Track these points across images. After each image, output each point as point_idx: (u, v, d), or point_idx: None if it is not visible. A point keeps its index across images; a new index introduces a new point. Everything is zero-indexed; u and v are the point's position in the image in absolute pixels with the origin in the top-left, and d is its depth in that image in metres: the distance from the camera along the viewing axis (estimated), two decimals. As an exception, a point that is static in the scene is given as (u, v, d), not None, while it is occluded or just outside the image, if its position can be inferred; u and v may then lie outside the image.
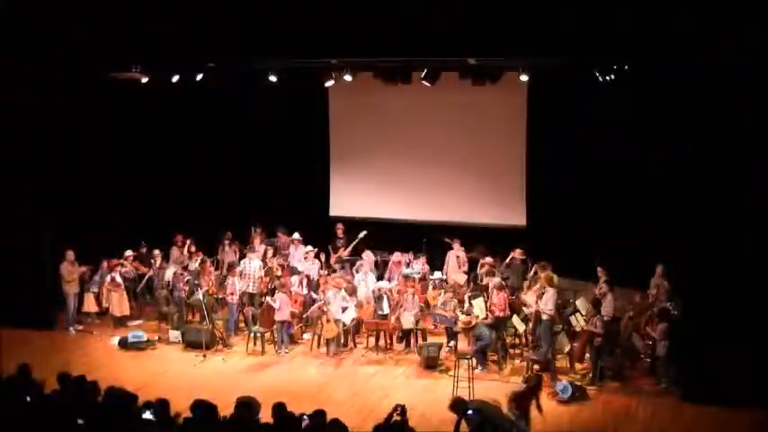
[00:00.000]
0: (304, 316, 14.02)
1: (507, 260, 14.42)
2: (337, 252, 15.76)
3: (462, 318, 12.63)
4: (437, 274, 14.60)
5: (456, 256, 15.13)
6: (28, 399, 8.12)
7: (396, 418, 8.13)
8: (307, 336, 14.02)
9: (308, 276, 14.63)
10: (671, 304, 11.96)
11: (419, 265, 14.81)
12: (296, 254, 15.48)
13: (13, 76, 13.42)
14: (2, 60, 13.11)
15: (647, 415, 10.84)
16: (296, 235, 15.66)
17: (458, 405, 8.73)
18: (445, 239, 15.46)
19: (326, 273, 14.83)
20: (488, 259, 14.40)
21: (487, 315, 12.57)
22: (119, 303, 14.63)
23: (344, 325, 13.34)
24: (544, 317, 12.43)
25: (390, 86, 13.53)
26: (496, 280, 13.13)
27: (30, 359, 9.45)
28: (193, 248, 15.58)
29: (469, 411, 7.29)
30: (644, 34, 10.42)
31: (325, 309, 13.19)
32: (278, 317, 13.29)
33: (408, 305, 13.26)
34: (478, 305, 12.58)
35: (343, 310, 13.29)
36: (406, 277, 14.17)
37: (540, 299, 12.32)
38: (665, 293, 12.30)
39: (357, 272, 14.80)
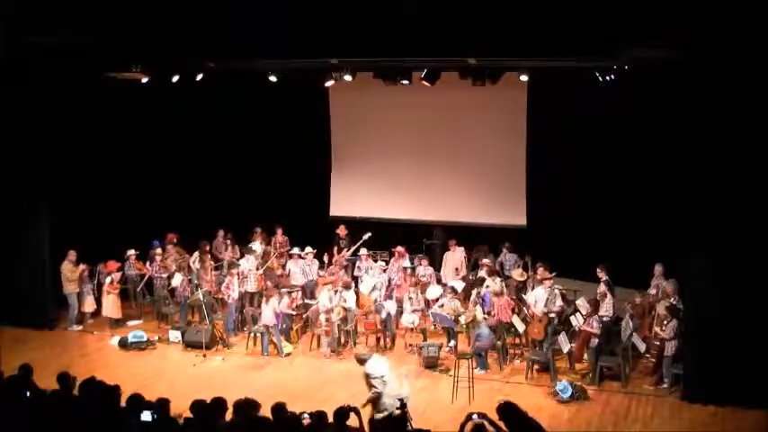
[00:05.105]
0: (304, 317, 14.03)
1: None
2: (340, 253, 15.77)
3: (463, 318, 12.66)
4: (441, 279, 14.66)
5: (454, 268, 15.13)
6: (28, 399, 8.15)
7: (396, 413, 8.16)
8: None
9: (303, 288, 14.69)
10: (676, 300, 11.94)
11: (423, 269, 14.80)
12: (295, 268, 15.08)
13: (14, 77, 13.42)
14: (2, 61, 13.11)
15: (647, 415, 10.84)
16: (295, 250, 15.40)
17: (359, 359, 9.58)
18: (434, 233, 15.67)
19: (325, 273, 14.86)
20: (485, 261, 14.46)
21: (485, 318, 12.63)
22: (113, 306, 14.60)
23: (345, 323, 13.36)
24: (551, 315, 12.48)
25: (390, 86, 13.52)
26: (498, 287, 13.14)
27: (30, 359, 9.48)
28: (206, 247, 15.49)
29: (474, 416, 7.32)
30: (643, 34, 10.41)
31: (322, 308, 13.26)
32: (262, 320, 13.26)
33: (413, 303, 13.37)
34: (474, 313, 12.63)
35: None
36: (406, 269, 14.27)
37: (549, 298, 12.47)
38: (674, 292, 12.20)
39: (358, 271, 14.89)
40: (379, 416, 9.02)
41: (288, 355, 13.27)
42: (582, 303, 12.59)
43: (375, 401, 9.20)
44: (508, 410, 7.20)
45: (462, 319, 12.68)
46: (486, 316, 12.72)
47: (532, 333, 12.72)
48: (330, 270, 15.02)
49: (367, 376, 9.36)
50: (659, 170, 13.20)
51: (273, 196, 16.68)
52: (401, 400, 8.39)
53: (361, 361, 9.53)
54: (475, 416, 7.32)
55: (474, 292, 13.43)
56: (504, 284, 13.42)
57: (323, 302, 13.31)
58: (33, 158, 14.12)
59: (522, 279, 14.23)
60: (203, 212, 16.43)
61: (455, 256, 15.33)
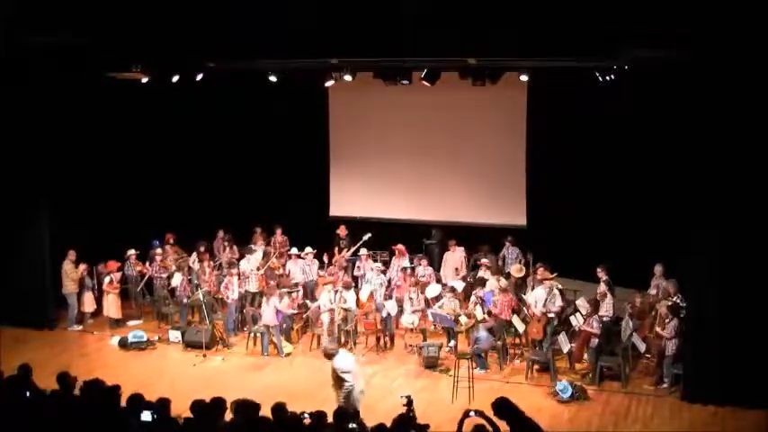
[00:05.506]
0: (304, 317, 14.03)
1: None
2: (341, 253, 15.76)
3: (463, 319, 12.65)
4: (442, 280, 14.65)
5: (454, 268, 15.13)
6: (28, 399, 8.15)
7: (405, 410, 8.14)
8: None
9: (304, 286, 14.69)
10: (679, 299, 11.93)
11: (422, 269, 14.80)
12: (295, 268, 15.02)
13: (14, 77, 13.42)
14: (2, 61, 13.11)
15: (647, 415, 10.84)
16: (294, 250, 15.37)
17: (327, 353, 10.01)
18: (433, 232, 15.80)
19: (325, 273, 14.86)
20: (485, 260, 14.45)
21: (485, 318, 12.63)
22: (114, 305, 14.60)
23: (345, 322, 13.36)
24: (550, 315, 12.49)
25: (390, 86, 13.51)
26: (501, 282, 13.13)
27: (30, 359, 9.48)
28: (202, 248, 15.47)
29: (471, 413, 7.32)
30: (643, 34, 10.42)
31: (322, 308, 13.29)
32: (263, 320, 13.25)
33: (413, 303, 13.36)
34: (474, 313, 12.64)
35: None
36: (405, 270, 14.26)
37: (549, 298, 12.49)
38: (675, 291, 12.21)
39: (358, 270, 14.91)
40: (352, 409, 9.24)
41: (288, 355, 13.27)
42: (582, 303, 12.60)
43: (348, 395, 9.55)
44: (503, 406, 7.26)
45: (462, 321, 12.68)
46: (485, 316, 12.71)
47: (532, 333, 12.71)
48: (330, 270, 15.01)
49: (335, 370, 9.72)
50: (659, 170, 13.21)
51: (273, 196, 16.67)
52: (408, 396, 8.40)
53: (329, 355, 9.93)
54: (472, 413, 7.35)
55: (474, 292, 13.42)
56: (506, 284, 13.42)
57: (323, 302, 13.32)
58: (33, 158, 14.11)
59: (520, 275, 14.23)
60: (203, 212, 16.43)
61: (455, 256, 15.33)
